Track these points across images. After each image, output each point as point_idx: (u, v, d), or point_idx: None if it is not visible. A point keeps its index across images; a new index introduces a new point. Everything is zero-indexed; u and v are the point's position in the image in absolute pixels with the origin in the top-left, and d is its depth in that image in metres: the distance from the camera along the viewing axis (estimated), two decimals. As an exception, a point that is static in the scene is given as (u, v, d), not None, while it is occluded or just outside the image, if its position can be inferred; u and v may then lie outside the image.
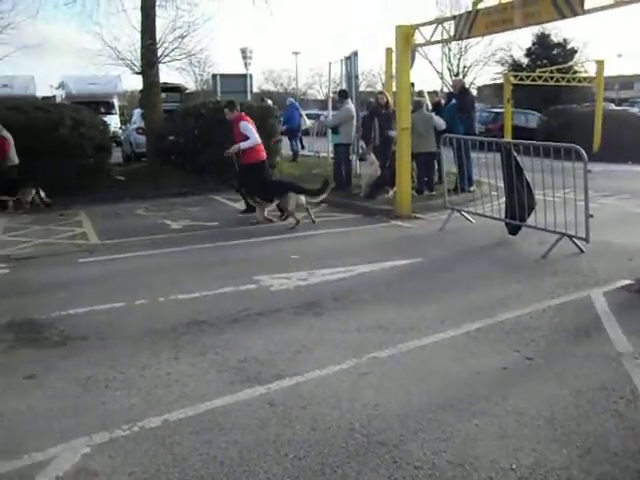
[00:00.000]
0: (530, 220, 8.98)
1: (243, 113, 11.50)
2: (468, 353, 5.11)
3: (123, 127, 28.46)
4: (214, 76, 21.65)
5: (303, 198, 10.74)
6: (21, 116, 13.77)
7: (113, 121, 26.07)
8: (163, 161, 15.35)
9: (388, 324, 5.77)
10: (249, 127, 11.10)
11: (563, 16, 8.68)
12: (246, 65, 23.07)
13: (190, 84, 47.30)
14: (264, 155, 11.37)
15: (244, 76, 21.38)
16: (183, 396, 4.39)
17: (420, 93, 14.61)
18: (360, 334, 5.53)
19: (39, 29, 58.18)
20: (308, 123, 23.53)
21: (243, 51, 23.22)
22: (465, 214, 10.50)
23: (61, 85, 32.37)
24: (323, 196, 11.14)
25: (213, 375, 4.75)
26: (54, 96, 33.78)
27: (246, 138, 10.97)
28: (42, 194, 12.88)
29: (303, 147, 23.39)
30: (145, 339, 5.52)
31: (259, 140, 11.20)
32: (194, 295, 6.78)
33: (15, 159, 12.85)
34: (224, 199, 13.72)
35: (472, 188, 12.49)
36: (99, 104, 26.96)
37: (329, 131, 17.19)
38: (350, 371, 4.78)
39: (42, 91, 33.88)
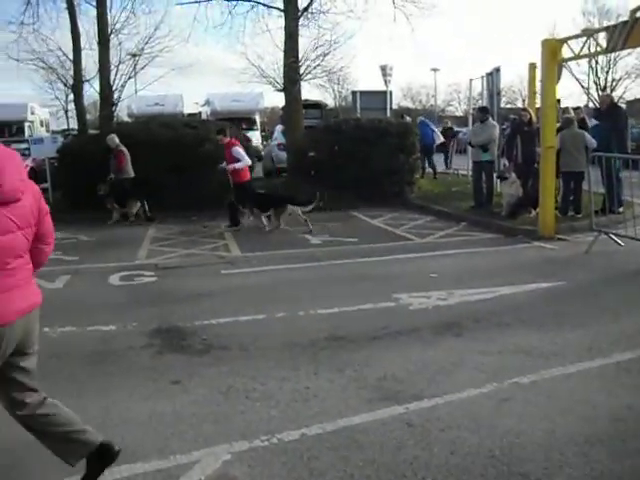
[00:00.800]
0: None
1: (233, 139, 12.62)
2: (619, 385, 4.81)
3: (264, 143, 29.33)
4: (354, 93, 21.92)
5: (298, 209, 12.00)
6: (170, 132, 14.54)
7: (255, 137, 26.88)
8: (303, 176, 15.64)
9: (530, 349, 5.55)
10: (241, 151, 12.25)
11: None
12: (386, 82, 23.11)
13: (329, 100, 48.19)
14: (249, 175, 12.79)
15: (384, 93, 21.47)
16: (321, 411, 4.41)
17: (565, 110, 14.10)
18: (501, 358, 5.35)
19: (190, 51, 61.63)
20: (442, 139, 23.15)
21: (383, 68, 23.25)
22: (613, 237, 9.96)
23: (206, 102, 33.86)
24: (311, 206, 12.11)
25: (351, 392, 4.75)
26: (199, 113, 35.38)
27: (237, 160, 12.12)
28: (146, 207, 13.78)
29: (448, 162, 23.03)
30: (285, 352, 5.61)
31: (249, 162, 12.60)
32: (333, 310, 6.83)
33: (130, 172, 13.78)
34: (363, 216, 13.80)
35: (621, 209, 11.88)
36: (242, 120, 27.88)
37: (469, 148, 16.90)
38: (490, 395, 4.63)
39: (189, 108, 35.63)
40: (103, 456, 3.48)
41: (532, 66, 14.14)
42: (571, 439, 3.96)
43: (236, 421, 4.30)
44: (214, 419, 4.34)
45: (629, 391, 4.68)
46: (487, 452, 3.82)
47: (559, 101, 13.68)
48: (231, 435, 4.09)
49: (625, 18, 9.82)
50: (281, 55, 17.16)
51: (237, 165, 12.13)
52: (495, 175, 13.99)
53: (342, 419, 4.26)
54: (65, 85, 20.30)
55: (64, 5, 17.52)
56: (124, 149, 13.70)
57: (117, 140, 13.76)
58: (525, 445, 3.90)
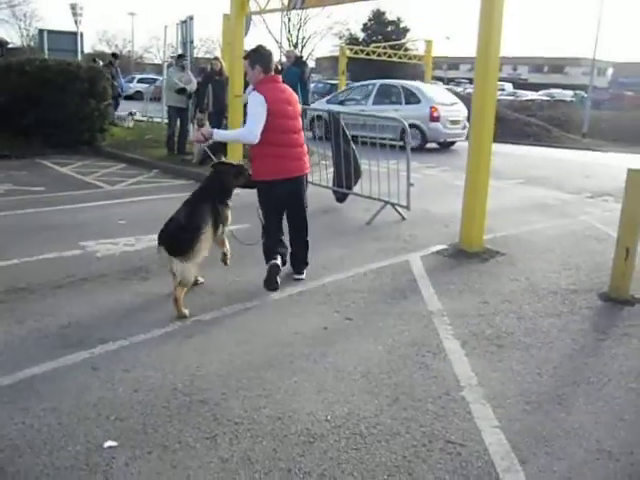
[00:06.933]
0: (356, 188, 9.35)
1: None
2: (290, 315, 5.31)
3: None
4: (40, 32, 20.39)
5: None
6: None
7: None
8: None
9: (214, 288, 5.84)
10: None
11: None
12: (76, 22, 22.01)
13: (15, 39, 44.50)
14: None
15: (74, 34, 20.32)
16: (-3, 366, 4.27)
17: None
18: (185, 298, 5.49)
19: None
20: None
21: (73, 7, 22.09)
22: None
23: None
24: None
25: (32, 342, 4.60)
26: None
27: None
28: None
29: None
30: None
31: None
32: (13, 262, 6.46)
33: None
34: (51, 163, 13.01)
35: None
36: None
37: (164, 95, 16.80)
38: (174, 334, 4.82)
39: None
40: None
41: (226, 17, 14.38)
42: (247, 366, 4.32)
43: None
44: None
45: (299, 320, 5.21)
46: (170, 386, 4.01)
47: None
48: None
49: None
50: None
51: None
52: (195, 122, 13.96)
53: (21, 371, 4.14)
54: None
55: None
56: None
57: None
58: (205, 376, 4.16)
